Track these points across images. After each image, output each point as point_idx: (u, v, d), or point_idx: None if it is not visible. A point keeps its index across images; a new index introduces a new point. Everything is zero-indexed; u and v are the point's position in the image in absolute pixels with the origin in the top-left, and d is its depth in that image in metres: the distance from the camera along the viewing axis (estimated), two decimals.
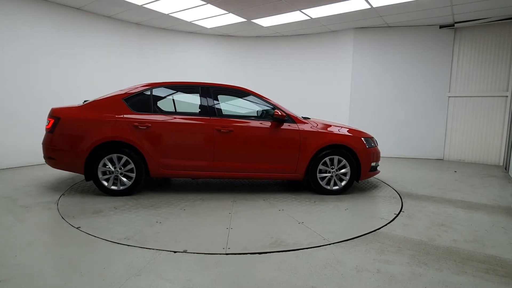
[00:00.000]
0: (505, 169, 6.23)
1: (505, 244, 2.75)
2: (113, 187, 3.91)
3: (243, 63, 8.65)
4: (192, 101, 4.34)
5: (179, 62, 8.03)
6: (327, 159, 4.17)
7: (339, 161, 4.21)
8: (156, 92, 4.19)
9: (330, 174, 4.23)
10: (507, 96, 6.59)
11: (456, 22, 6.69)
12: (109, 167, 3.87)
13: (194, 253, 2.50)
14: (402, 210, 3.65)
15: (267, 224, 3.17)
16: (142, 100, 4.10)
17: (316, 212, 3.58)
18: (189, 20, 7.00)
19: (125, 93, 4.06)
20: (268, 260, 2.40)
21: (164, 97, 4.39)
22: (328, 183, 4.24)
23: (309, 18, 6.66)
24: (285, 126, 4.14)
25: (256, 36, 8.45)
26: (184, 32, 8.02)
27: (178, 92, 4.53)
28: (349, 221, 3.34)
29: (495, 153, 6.82)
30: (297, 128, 4.15)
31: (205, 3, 5.79)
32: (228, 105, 4.54)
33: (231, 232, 2.93)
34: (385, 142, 7.61)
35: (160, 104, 4.36)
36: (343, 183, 4.26)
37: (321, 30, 7.70)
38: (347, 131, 4.42)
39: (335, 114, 7.85)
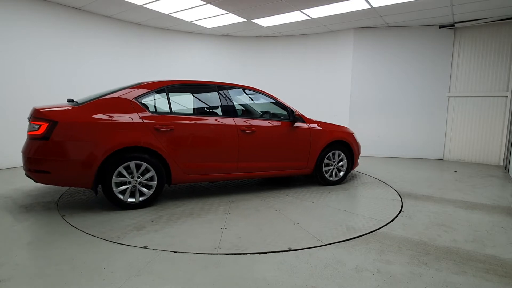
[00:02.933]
0: (505, 169, 6.23)
1: (505, 244, 2.75)
2: (130, 200, 3.41)
3: (243, 63, 8.65)
4: (211, 101, 4.16)
5: (179, 62, 8.03)
6: (330, 153, 4.67)
7: (339, 155, 4.76)
8: (172, 91, 3.83)
9: (332, 167, 4.75)
10: (507, 96, 6.59)
11: (456, 22, 6.69)
12: (125, 177, 3.35)
13: (299, 249, 2.58)
14: (402, 210, 3.65)
15: (321, 216, 3.43)
16: (157, 99, 3.76)
17: (342, 200, 4.03)
18: (189, 20, 7.00)
19: (138, 91, 3.58)
20: (269, 259, 2.40)
21: (182, 97, 4.12)
22: (330, 175, 4.74)
23: (309, 18, 6.67)
24: (298, 125, 4.43)
25: (256, 36, 8.46)
26: (184, 32, 8.02)
27: (195, 91, 4.27)
28: (378, 206, 3.82)
29: (495, 153, 6.82)
30: (308, 127, 4.51)
31: (205, 3, 5.80)
32: (245, 105, 4.57)
33: (303, 226, 3.08)
34: (385, 142, 7.63)
35: (178, 104, 4.02)
36: (341, 174, 4.85)
37: (321, 30, 7.70)
38: (341, 128, 4.95)
39: (335, 114, 7.86)
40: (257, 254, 2.50)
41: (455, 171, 6.00)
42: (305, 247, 2.62)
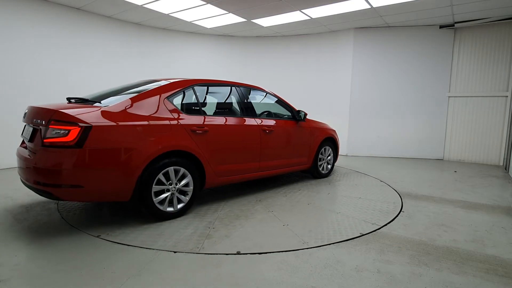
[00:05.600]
0: (505, 169, 6.23)
1: (505, 244, 2.75)
2: (169, 209, 3.14)
3: (243, 63, 8.65)
4: (233, 101, 4.11)
5: (179, 62, 8.03)
6: (322, 149, 5.10)
7: (327, 150, 5.25)
8: (198, 90, 3.65)
9: (324, 161, 5.21)
10: (507, 96, 6.59)
11: (456, 22, 6.69)
12: (164, 185, 3.08)
13: (369, 232, 2.95)
14: (402, 210, 3.65)
15: (348, 204, 3.85)
16: (186, 99, 3.51)
17: (348, 189, 4.54)
18: (189, 20, 7.00)
19: (167, 90, 3.29)
20: (270, 259, 2.40)
21: (206, 96, 3.97)
22: (322, 169, 5.21)
23: (309, 18, 6.66)
24: (301, 124, 4.72)
25: (256, 36, 8.45)
26: (184, 32, 8.02)
27: (218, 91, 4.13)
28: (380, 194, 4.39)
29: (495, 153, 6.82)
30: (308, 126, 4.85)
31: (205, 3, 5.79)
32: (260, 105, 4.61)
33: (347, 214, 3.45)
34: (385, 142, 7.63)
35: (205, 104, 3.84)
36: (329, 167, 5.36)
37: (321, 30, 7.70)
38: (327, 125, 5.36)
39: (335, 114, 7.86)
40: (340, 243, 2.71)
41: (455, 171, 6.00)
42: (372, 230, 3.01)
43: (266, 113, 4.58)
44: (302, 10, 6.18)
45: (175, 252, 2.49)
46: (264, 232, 2.93)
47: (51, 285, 2.00)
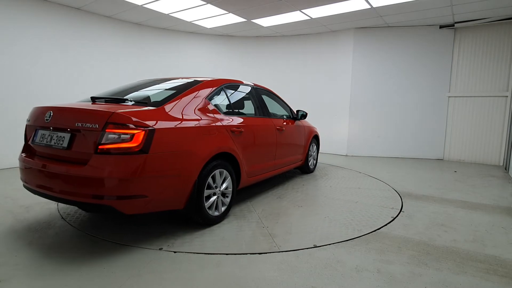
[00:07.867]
0: (505, 169, 6.23)
1: (505, 244, 2.75)
2: (216, 213, 3.04)
3: (243, 63, 8.65)
4: (253, 101, 4.12)
5: (179, 62, 8.04)
6: (310, 146, 5.42)
7: (313, 147, 5.60)
8: (228, 90, 3.63)
9: (311, 158, 5.55)
10: (507, 96, 6.59)
11: (456, 22, 6.69)
12: (212, 188, 2.97)
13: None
14: (402, 210, 3.65)
15: (357, 194, 4.25)
16: (221, 99, 3.47)
17: (345, 182, 4.96)
18: (189, 20, 7.00)
19: (205, 89, 3.20)
20: (269, 259, 2.40)
21: (233, 97, 3.92)
22: (310, 165, 5.53)
23: (309, 18, 6.67)
24: (298, 123, 4.94)
25: (256, 36, 8.46)
26: (184, 32, 8.02)
27: (240, 91, 4.07)
28: (374, 185, 4.87)
29: (495, 153, 6.82)
30: (304, 125, 5.13)
31: (205, 3, 5.80)
32: (270, 105, 4.68)
33: (364, 203, 3.82)
34: (385, 142, 7.63)
35: (234, 104, 3.77)
36: (314, 162, 5.75)
37: (321, 30, 7.70)
38: (310, 124, 5.62)
39: (335, 114, 7.86)
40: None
41: (455, 171, 6.00)
42: (395, 215, 3.40)
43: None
44: (302, 10, 6.18)
45: (175, 252, 2.49)
46: (315, 225, 3.10)
47: (51, 285, 2.00)
